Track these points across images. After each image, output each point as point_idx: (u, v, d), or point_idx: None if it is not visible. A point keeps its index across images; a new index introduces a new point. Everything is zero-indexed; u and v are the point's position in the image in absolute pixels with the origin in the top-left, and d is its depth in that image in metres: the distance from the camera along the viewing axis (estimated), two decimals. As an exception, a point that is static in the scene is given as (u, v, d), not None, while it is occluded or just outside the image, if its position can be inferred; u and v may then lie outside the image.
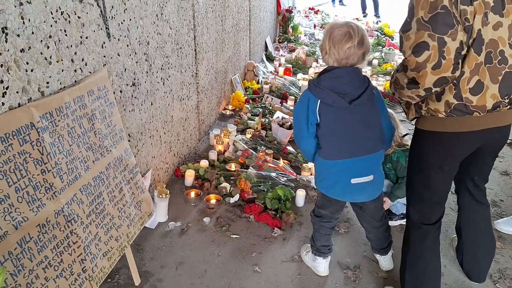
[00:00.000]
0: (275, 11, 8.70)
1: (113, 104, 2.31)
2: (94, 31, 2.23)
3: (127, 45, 2.61)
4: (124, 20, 2.54)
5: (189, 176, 3.55)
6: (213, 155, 3.93)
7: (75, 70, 2.09)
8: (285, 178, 3.59)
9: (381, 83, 6.25)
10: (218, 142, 4.11)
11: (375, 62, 7.35)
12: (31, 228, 1.70)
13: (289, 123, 4.38)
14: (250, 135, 4.35)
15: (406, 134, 3.14)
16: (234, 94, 5.33)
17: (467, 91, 1.79)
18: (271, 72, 6.64)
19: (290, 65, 6.91)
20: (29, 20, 1.76)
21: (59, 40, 1.95)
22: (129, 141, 2.69)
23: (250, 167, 3.71)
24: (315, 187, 3.45)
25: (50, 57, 1.91)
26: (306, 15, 11.51)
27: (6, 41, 1.64)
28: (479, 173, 2.35)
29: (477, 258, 2.56)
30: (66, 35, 2.00)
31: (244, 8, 5.76)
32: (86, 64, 2.17)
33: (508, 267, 2.75)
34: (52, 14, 1.89)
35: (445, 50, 1.69)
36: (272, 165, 3.73)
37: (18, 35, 1.71)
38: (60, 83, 1.98)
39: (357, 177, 2.25)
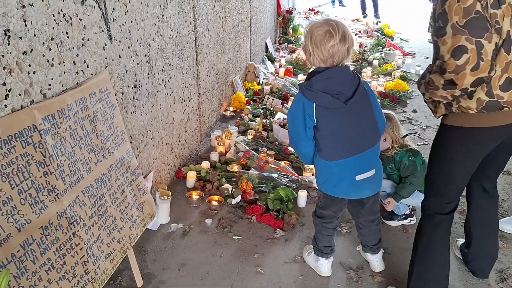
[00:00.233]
0: (275, 12, 8.69)
1: (115, 106, 2.32)
2: (95, 33, 2.23)
3: (129, 47, 2.61)
4: (125, 22, 2.54)
5: (191, 177, 3.55)
6: (214, 157, 3.93)
7: (77, 72, 2.09)
8: (286, 179, 3.60)
9: (381, 84, 6.25)
10: (219, 144, 4.11)
11: (376, 62, 7.34)
12: (34, 230, 1.70)
13: (290, 124, 4.37)
14: (251, 136, 4.35)
15: (407, 135, 3.15)
16: (235, 95, 5.33)
17: (497, 88, 1.89)
18: (271, 73, 6.63)
19: (291, 66, 6.91)
20: (31, 22, 1.76)
21: (61, 43, 1.96)
22: (130, 143, 2.69)
23: (252, 168, 3.71)
24: (316, 188, 3.45)
25: (52, 59, 1.91)
26: (306, 16, 11.48)
27: (8, 44, 1.64)
28: (495, 167, 2.44)
29: (485, 254, 2.59)
30: (68, 37, 2.00)
31: (244, 10, 5.76)
32: (87, 66, 2.18)
33: (511, 266, 2.75)
34: (54, 16, 1.90)
35: (482, 53, 1.78)
36: (274, 166, 3.73)
37: (21, 38, 1.71)
38: (62, 85, 1.99)
39: (361, 173, 2.27)
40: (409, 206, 3.16)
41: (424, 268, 2.33)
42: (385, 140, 2.98)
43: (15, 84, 1.70)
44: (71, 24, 2.02)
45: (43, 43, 1.84)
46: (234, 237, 2.97)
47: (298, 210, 3.30)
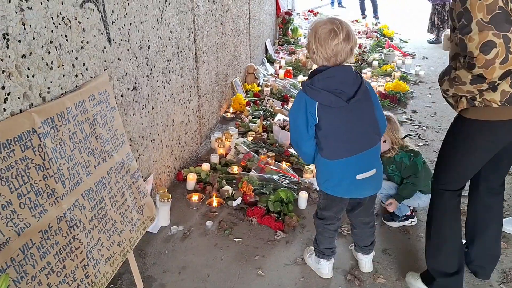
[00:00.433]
0: (275, 14, 8.69)
1: (114, 109, 2.31)
2: (94, 36, 2.23)
3: (128, 50, 2.61)
4: (124, 25, 2.54)
5: (191, 179, 3.54)
6: (214, 159, 3.92)
7: (76, 75, 2.09)
8: (287, 181, 3.59)
9: (381, 84, 6.24)
10: (219, 145, 4.10)
11: (375, 63, 7.33)
12: (33, 234, 1.69)
13: (290, 125, 4.36)
14: (251, 138, 4.34)
15: (406, 136, 3.14)
16: (235, 97, 5.32)
17: None
18: (271, 74, 6.63)
19: (291, 68, 6.90)
20: (30, 26, 1.76)
21: (60, 46, 1.95)
22: (130, 145, 2.68)
23: (252, 170, 3.71)
24: (317, 189, 3.45)
25: (51, 63, 1.90)
26: (305, 18, 11.49)
27: (7, 47, 1.64)
28: (506, 164, 2.48)
29: (488, 254, 2.59)
30: (67, 40, 2.00)
31: (243, 11, 5.76)
32: (87, 69, 2.17)
33: (512, 267, 2.75)
34: (53, 19, 1.89)
35: (510, 46, 1.86)
36: (274, 168, 3.72)
37: (19, 41, 1.71)
38: (61, 88, 1.98)
39: (362, 172, 2.27)
40: (409, 207, 3.15)
41: (440, 241, 2.43)
42: (384, 141, 2.97)
43: (14, 88, 1.69)
44: (70, 27, 2.01)
45: (42, 46, 1.84)
46: (234, 239, 2.96)
47: (298, 212, 3.29)
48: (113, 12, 2.40)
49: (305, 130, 2.20)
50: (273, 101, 5.42)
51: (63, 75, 1.99)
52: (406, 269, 2.71)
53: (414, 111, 5.53)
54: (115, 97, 2.44)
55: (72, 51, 2.04)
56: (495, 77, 1.92)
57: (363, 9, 12.59)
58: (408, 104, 5.80)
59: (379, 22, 11.18)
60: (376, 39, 9.12)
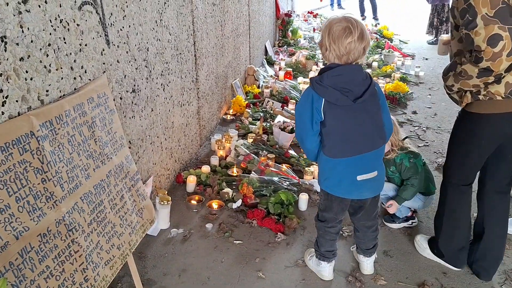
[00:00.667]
0: (274, 16, 8.69)
1: (113, 111, 2.30)
2: (93, 38, 2.22)
3: (127, 52, 2.60)
4: (123, 27, 2.53)
5: (191, 182, 3.53)
6: (214, 161, 3.91)
7: (75, 78, 2.08)
8: (287, 182, 3.58)
9: (381, 85, 6.23)
10: (219, 147, 4.09)
11: (375, 64, 7.33)
12: (32, 238, 1.68)
13: (291, 127, 4.36)
14: (251, 140, 4.34)
15: (406, 137, 3.13)
16: (234, 99, 5.31)
17: None
18: (271, 76, 6.62)
19: (290, 69, 6.90)
20: (28, 28, 1.75)
21: (58, 48, 1.94)
22: (129, 148, 2.68)
23: (252, 172, 3.70)
24: (317, 191, 3.44)
25: (50, 65, 1.90)
26: (305, 19, 11.50)
27: (5, 50, 1.63)
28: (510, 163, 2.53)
29: (491, 255, 2.62)
30: (65, 43, 1.99)
31: (243, 13, 5.75)
32: (85, 72, 2.16)
33: (514, 268, 2.74)
34: (51, 22, 1.88)
35: None
36: (274, 170, 3.72)
37: (17, 44, 1.70)
38: (60, 91, 1.97)
39: (363, 173, 2.26)
40: (410, 208, 3.14)
41: (451, 228, 2.62)
42: (384, 143, 2.96)
43: (12, 91, 1.68)
44: (68, 29, 2.00)
45: (40, 49, 1.83)
46: (235, 241, 2.95)
47: (299, 214, 3.28)
48: (111, 14, 2.39)
49: (309, 125, 2.19)
50: (273, 102, 5.42)
51: (62, 78, 1.98)
52: (407, 271, 2.71)
53: (414, 112, 5.52)
54: (114, 100, 2.43)
55: (71, 53, 2.04)
56: (502, 69, 2.01)
57: (362, 10, 12.61)
58: (408, 105, 5.80)
59: (378, 23, 11.20)
60: (375, 40, 9.11)
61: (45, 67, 1.86)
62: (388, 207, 3.03)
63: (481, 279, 2.63)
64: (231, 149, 4.13)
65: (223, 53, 4.84)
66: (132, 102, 2.71)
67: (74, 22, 2.05)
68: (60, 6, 1.94)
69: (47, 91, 1.89)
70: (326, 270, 2.61)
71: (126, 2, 2.55)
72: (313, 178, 3.70)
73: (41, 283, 1.70)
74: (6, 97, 1.65)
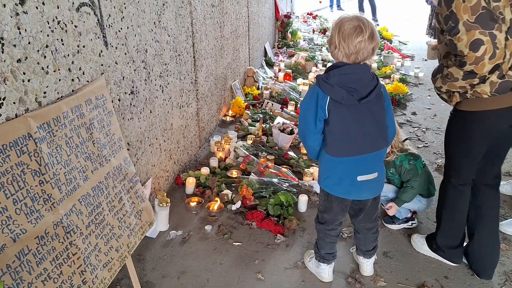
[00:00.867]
0: (274, 17, 8.69)
1: (112, 113, 2.29)
2: (91, 39, 2.21)
3: (125, 53, 2.59)
4: (121, 28, 2.52)
5: (190, 183, 3.52)
6: (214, 162, 3.90)
7: (73, 80, 2.07)
8: (287, 184, 3.57)
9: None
10: (219, 149, 4.08)
11: (374, 65, 7.33)
12: (29, 240, 1.68)
13: (290, 128, 4.36)
14: (251, 141, 4.33)
15: (406, 139, 3.12)
16: (234, 101, 5.31)
17: (507, 70, 2.14)
18: (271, 77, 6.62)
19: (290, 70, 6.90)
20: (25, 30, 1.75)
21: (56, 50, 1.94)
22: (128, 149, 2.67)
23: (252, 174, 3.69)
24: (317, 192, 3.43)
25: (47, 67, 1.89)
26: (304, 21, 11.50)
27: (2, 52, 1.63)
28: (501, 156, 2.61)
29: (487, 252, 2.65)
30: (63, 44, 1.98)
31: (242, 15, 5.75)
32: (83, 73, 2.16)
33: (514, 269, 2.73)
34: (48, 23, 1.88)
35: (497, 42, 2.03)
36: (274, 171, 3.71)
37: (15, 46, 1.69)
38: (58, 93, 1.97)
39: (363, 174, 2.25)
40: (409, 209, 3.13)
41: (450, 224, 2.67)
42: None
43: (9, 93, 1.68)
44: (66, 31, 2.00)
45: (38, 50, 1.83)
46: (234, 243, 2.94)
47: (298, 215, 3.27)
48: (109, 16, 2.38)
49: (313, 123, 2.18)
50: (272, 104, 5.41)
51: (59, 80, 1.97)
52: (407, 272, 2.70)
53: (414, 113, 5.52)
54: (112, 101, 2.42)
55: (68, 55, 2.03)
56: (485, 72, 2.09)
57: (362, 11, 12.60)
58: (407, 106, 5.79)
59: (378, 25, 11.19)
60: (375, 41, 9.09)
61: (42, 68, 1.86)
62: (387, 209, 3.03)
63: (481, 278, 2.65)
64: (231, 150, 4.12)
65: (222, 54, 4.84)
66: (131, 104, 2.71)
67: (72, 23, 2.04)
68: (58, 8, 1.93)
69: (44, 92, 1.88)
70: (325, 271, 2.60)
71: (125, 3, 2.54)
72: (313, 179, 3.70)
73: (38, 286, 1.69)
74: (4, 99, 1.65)
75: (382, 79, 6.75)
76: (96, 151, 2.13)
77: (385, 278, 2.65)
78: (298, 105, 5.29)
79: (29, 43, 1.77)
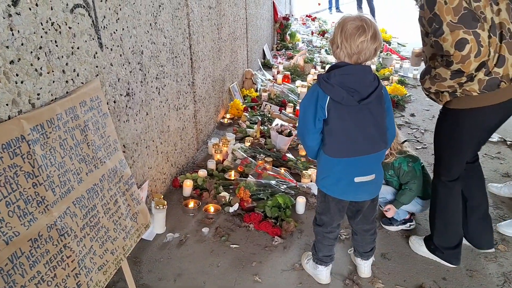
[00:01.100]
0: (272, 19, 8.69)
1: (107, 115, 2.28)
2: (85, 41, 2.20)
3: (120, 55, 2.58)
4: (116, 30, 2.51)
5: (187, 186, 3.51)
6: (211, 164, 3.89)
7: (67, 81, 2.06)
8: (285, 186, 3.56)
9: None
10: (216, 151, 4.07)
11: (373, 67, 7.32)
12: (22, 243, 1.66)
13: (288, 130, 4.34)
14: (249, 143, 4.31)
15: (405, 141, 3.11)
16: (232, 103, 5.30)
17: (493, 66, 2.19)
18: (269, 79, 6.61)
19: (289, 72, 6.89)
20: (18, 31, 1.73)
21: (50, 51, 1.93)
22: (124, 152, 2.66)
23: (250, 176, 3.68)
24: (315, 194, 3.42)
25: (41, 68, 1.88)
26: (303, 23, 11.51)
27: (-6, 53, 1.62)
28: (482, 144, 2.72)
29: (484, 220, 2.82)
30: (57, 45, 1.97)
31: (240, 16, 5.74)
32: (78, 75, 2.14)
33: (513, 271, 2.72)
34: (42, 25, 1.87)
35: (481, 40, 2.08)
36: (272, 173, 3.69)
37: (7, 47, 1.68)
38: (51, 95, 1.95)
39: (361, 175, 2.24)
40: (408, 211, 3.12)
41: (444, 223, 2.70)
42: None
43: (2, 94, 1.67)
44: (60, 32, 1.99)
45: (31, 52, 1.81)
46: (231, 245, 2.92)
47: (296, 217, 3.26)
48: (104, 17, 2.37)
49: (312, 122, 2.17)
50: (271, 106, 5.40)
51: (53, 81, 1.96)
52: (404, 274, 2.69)
53: (412, 115, 5.51)
54: (107, 103, 2.41)
55: (63, 56, 2.02)
56: (472, 69, 2.15)
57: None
58: (406, 107, 5.79)
59: (377, 26, 11.17)
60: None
61: (36, 70, 1.85)
62: (386, 211, 3.01)
63: (484, 249, 2.81)
64: (228, 153, 4.11)
65: (220, 56, 4.83)
66: (126, 106, 2.69)
67: (66, 25, 2.03)
68: (52, 9, 1.92)
69: (38, 94, 1.87)
70: (323, 273, 2.59)
71: (120, 5, 2.53)
72: (311, 181, 3.68)
73: (31, 289, 1.67)
74: (-4, 101, 1.64)
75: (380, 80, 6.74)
76: (91, 153, 2.12)
77: (383, 280, 2.63)
78: (297, 106, 5.28)
79: (22, 44, 1.76)
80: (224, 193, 3.44)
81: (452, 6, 2.10)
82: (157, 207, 2.96)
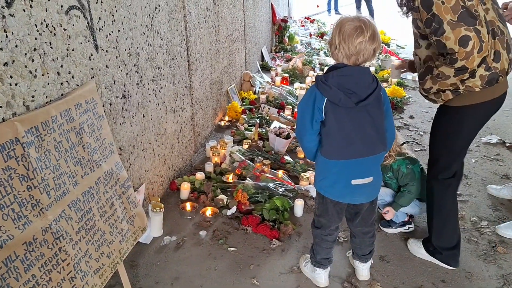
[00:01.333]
0: (271, 21, 8.68)
1: (102, 117, 2.27)
2: (81, 43, 2.19)
3: (116, 57, 2.56)
4: (112, 32, 2.50)
5: (185, 189, 3.49)
6: (209, 167, 3.87)
7: (62, 83, 2.04)
8: (283, 188, 3.54)
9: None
10: (214, 154, 4.05)
11: (372, 69, 7.31)
12: (17, 246, 1.65)
13: (286, 132, 4.33)
14: (247, 146, 4.30)
15: (404, 143, 3.10)
16: (230, 105, 5.28)
17: (492, 62, 2.24)
18: (267, 82, 6.60)
19: (287, 75, 6.87)
20: (12, 33, 1.72)
21: (44, 53, 1.91)
22: (120, 154, 2.64)
23: (248, 178, 3.66)
24: (313, 196, 3.40)
25: (35, 71, 1.86)
26: (302, 25, 11.51)
27: (-13, 55, 1.60)
28: None
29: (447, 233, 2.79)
30: (51, 47, 1.96)
31: (238, 19, 5.73)
32: (73, 77, 2.13)
33: (512, 273, 2.70)
34: (36, 26, 1.85)
35: (481, 36, 2.12)
36: (270, 176, 3.68)
37: (1, 49, 1.67)
38: (46, 97, 1.94)
39: (358, 178, 2.22)
40: (406, 213, 3.10)
41: (441, 222, 2.70)
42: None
43: (-5, 96, 1.65)
44: (54, 34, 1.97)
45: (26, 53, 1.80)
46: (229, 248, 2.90)
47: (294, 220, 3.24)
48: (100, 19, 2.36)
49: (309, 124, 2.16)
50: (269, 108, 5.39)
51: (48, 83, 1.94)
52: (403, 276, 2.67)
53: (411, 117, 5.50)
54: (103, 106, 2.39)
55: (57, 58, 2.00)
56: (475, 65, 2.18)
57: (360, 16, 12.60)
58: (405, 109, 5.78)
59: (375, 28, 11.18)
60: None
61: (30, 72, 1.83)
62: (384, 213, 3.00)
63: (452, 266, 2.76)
64: (226, 155, 4.09)
65: (217, 58, 4.82)
66: (123, 108, 2.68)
67: (61, 26, 2.02)
68: (46, 11, 1.91)
69: (32, 96, 1.85)
70: (321, 276, 2.57)
71: (115, 6, 2.52)
72: (309, 184, 3.67)
73: (25, 293, 1.66)
74: (-11, 103, 1.62)
75: (379, 82, 6.74)
76: (87, 156, 2.10)
77: (381, 282, 2.61)
78: (296, 109, 5.27)
79: (16, 46, 1.74)
80: (221, 196, 3.42)
81: (450, 5, 2.13)
82: (154, 210, 2.94)
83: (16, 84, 1.76)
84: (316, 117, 2.14)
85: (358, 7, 12.67)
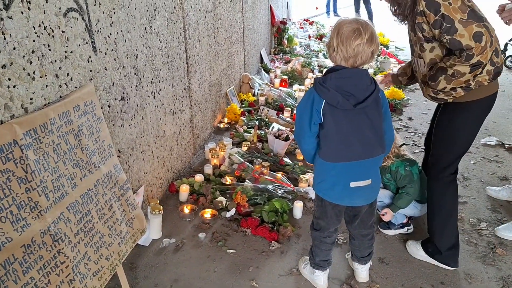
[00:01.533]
0: (270, 23, 8.69)
1: (101, 119, 2.26)
2: (79, 45, 2.19)
3: (115, 59, 2.56)
4: (110, 34, 2.50)
5: (184, 191, 3.49)
6: (208, 169, 3.87)
7: (60, 86, 2.04)
8: (282, 190, 3.54)
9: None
10: (213, 156, 4.05)
11: (371, 71, 7.31)
12: (15, 249, 1.64)
13: (285, 134, 4.33)
14: (246, 148, 4.30)
15: (403, 144, 3.10)
16: (229, 107, 5.28)
17: (495, 57, 2.29)
18: (266, 84, 6.60)
19: (286, 77, 6.88)
20: (10, 35, 1.72)
21: (43, 55, 1.91)
22: (119, 157, 2.64)
23: (247, 180, 3.66)
24: (312, 198, 3.40)
25: (34, 73, 1.86)
26: (301, 27, 11.51)
27: (-15, 57, 1.60)
28: None
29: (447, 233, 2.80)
30: (49, 50, 1.96)
31: (237, 20, 5.74)
32: (71, 79, 2.13)
33: (511, 274, 2.70)
34: (34, 29, 1.85)
35: (491, 31, 2.22)
36: (269, 178, 3.68)
37: (-1, 51, 1.67)
38: (45, 99, 1.94)
39: (356, 180, 2.22)
40: (405, 215, 3.10)
41: (442, 220, 2.72)
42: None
43: (-7, 99, 1.65)
44: (53, 36, 1.97)
45: (24, 56, 1.80)
46: (228, 251, 2.90)
47: (294, 222, 3.24)
48: (98, 21, 2.36)
49: (307, 126, 2.16)
50: (268, 110, 5.39)
51: (46, 86, 1.94)
52: (402, 278, 2.67)
53: (410, 118, 5.51)
54: (102, 108, 2.39)
55: (56, 61, 2.00)
56: (488, 59, 2.26)
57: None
58: (404, 111, 5.79)
59: (374, 30, 11.18)
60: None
61: (28, 74, 1.83)
62: (383, 215, 2.99)
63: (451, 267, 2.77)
64: (225, 157, 4.09)
65: (216, 60, 4.82)
66: (121, 110, 2.67)
67: (59, 29, 2.02)
68: (44, 13, 1.91)
69: (31, 99, 1.85)
70: (320, 278, 2.57)
71: (114, 8, 2.52)
72: (308, 185, 3.67)
73: (24, 296, 1.65)
74: (-13, 105, 1.62)
75: (378, 84, 6.73)
76: (85, 158, 2.10)
77: (380, 284, 2.61)
78: (295, 111, 5.27)
79: (14, 48, 1.74)
80: (221, 198, 3.42)
81: (457, 6, 2.22)
82: (153, 212, 2.94)
83: (14, 87, 1.75)
84: (315, 119, 2.14)
85: (357, 9, 12.67)
